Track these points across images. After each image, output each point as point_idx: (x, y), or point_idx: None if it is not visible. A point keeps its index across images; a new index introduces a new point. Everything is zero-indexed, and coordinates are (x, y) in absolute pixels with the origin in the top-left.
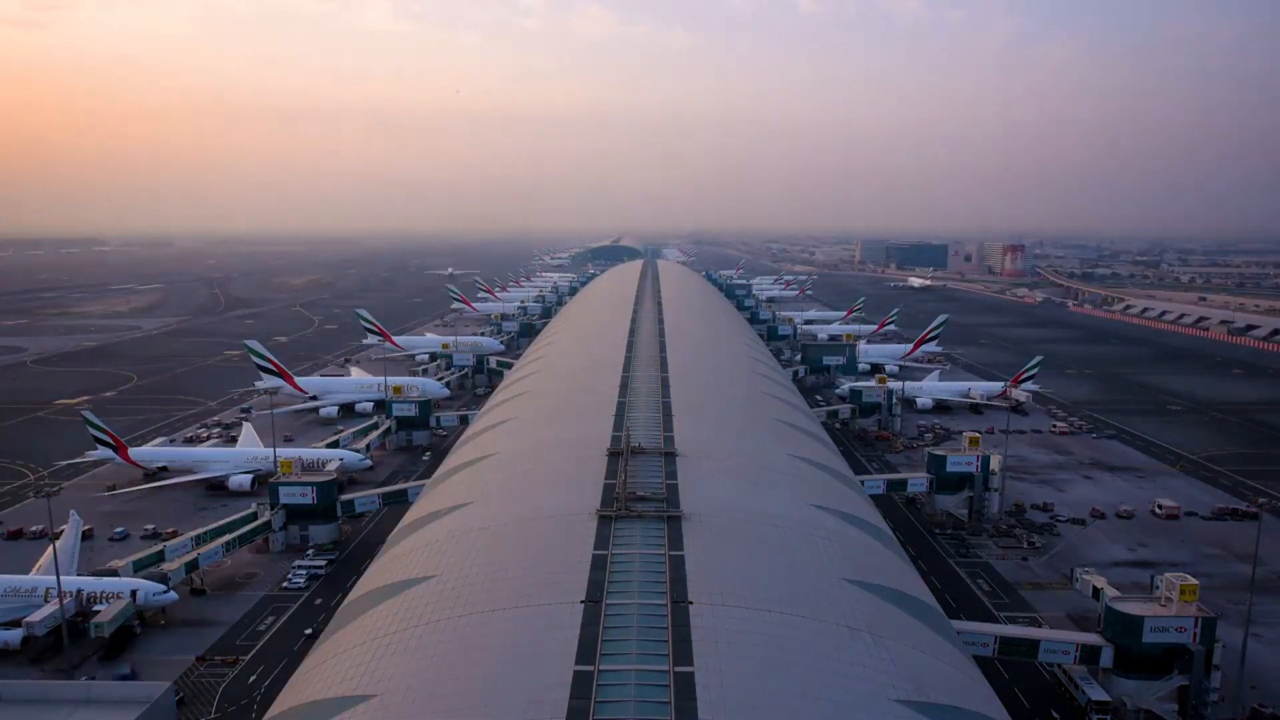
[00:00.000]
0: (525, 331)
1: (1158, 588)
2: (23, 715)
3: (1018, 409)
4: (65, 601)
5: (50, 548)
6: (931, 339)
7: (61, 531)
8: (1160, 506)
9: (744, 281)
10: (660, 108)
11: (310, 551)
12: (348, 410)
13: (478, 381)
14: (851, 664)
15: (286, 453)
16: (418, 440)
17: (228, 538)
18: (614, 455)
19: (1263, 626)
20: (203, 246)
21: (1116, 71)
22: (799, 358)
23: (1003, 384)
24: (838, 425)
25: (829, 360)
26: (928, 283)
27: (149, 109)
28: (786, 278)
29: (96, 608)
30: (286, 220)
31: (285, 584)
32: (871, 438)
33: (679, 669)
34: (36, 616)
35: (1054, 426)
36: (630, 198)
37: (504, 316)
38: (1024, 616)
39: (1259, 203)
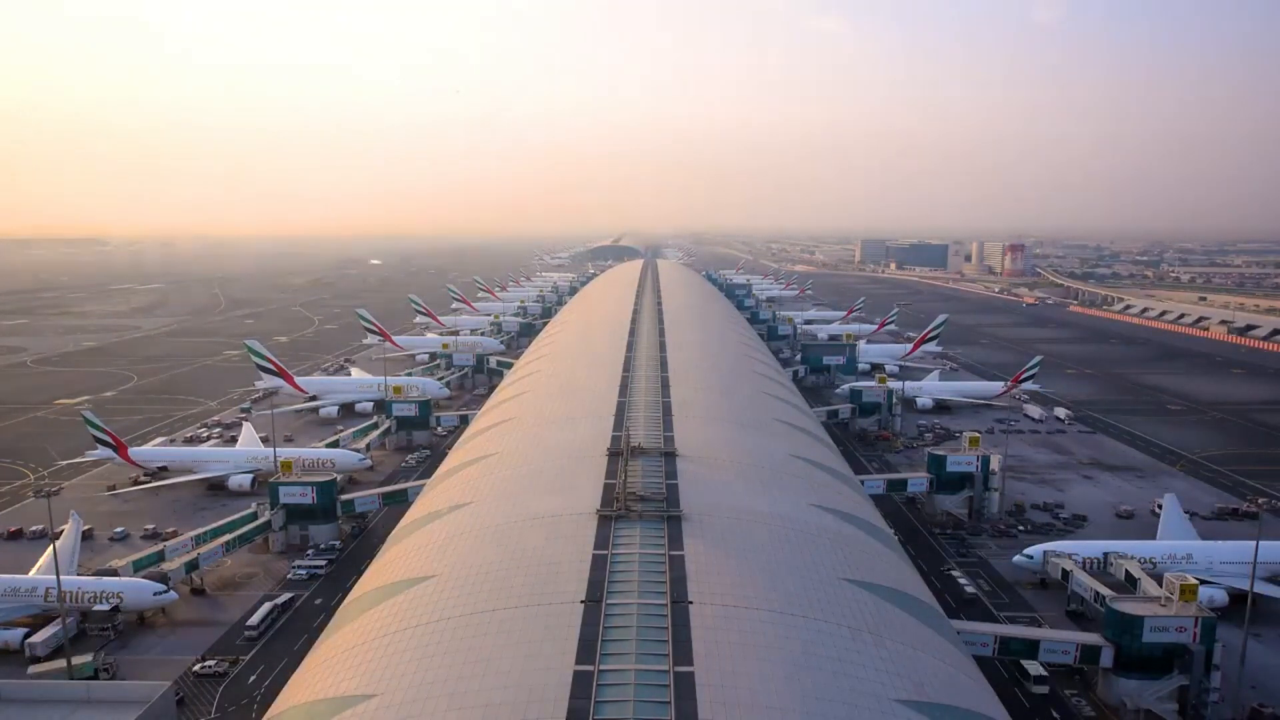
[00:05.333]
0: (525, 331)
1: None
2: (23, 715)
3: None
4: (68, 621)
5: (50, 548)
6: (931, 339)
7: (62, 531)
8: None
9: (744, 281)
10: (660, 108)
11: (310, 551)
12: (348, 410)
13: (478, 381)
14: (852, 664)
15: (286, 453)
16: (418, 440)
17: (228, 538)
18: (614, 455)
19: (1263, 626)
20: (207, 248)
21: (1116, 70)
22: (799, 358)
23: (1003, 384)
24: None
25: (829, 360)
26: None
27: (150, 105)
28: (771, 277)
29: (98, 607)
30: (285, 221)
31: (290, 577)
32: (872, 438)
33: (679, 669)
34: (39, 637)
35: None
36: (630, 198)
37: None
38: (1024, 616)
39: (1259, 203)
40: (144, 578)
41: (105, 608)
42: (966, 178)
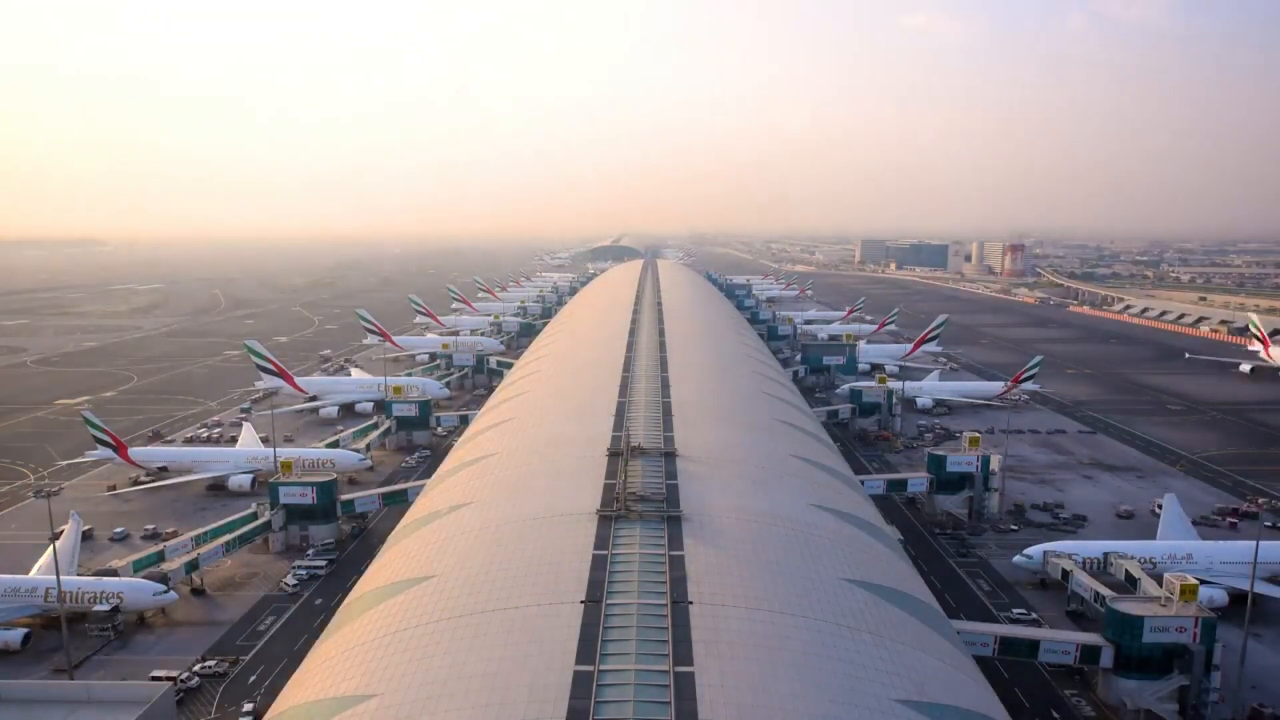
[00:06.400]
0: (525, 331)
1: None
2: (23, 715)
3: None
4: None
5: (50, 548)
6: (931, 339)
7: (62, 532)
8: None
9: (744, 281)
10: (660, 107)
11: (311, 551)
12: (348, 410)
13: (478, 381)
14: (852, 664)
15: (286, 453)
16: (418, 440)
17: (228, 538)
18: (614, 455)
19: (1263, 626)
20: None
21: (1115, 70)
22: (799, 358)
23: (1003, 384)
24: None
25: (829, 360)
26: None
27: (151, 102)
28: (771, 277)
29: (98, 607)
30: (286, 220)
31: (292, 574)
32: (872, 438)
33: (679, 669)
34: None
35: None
36: (630, 198)
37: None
38: (1024, 617)
39: (1259, 203)
40: (144, 578)
41: (105, 608)
42: (966, 178)
